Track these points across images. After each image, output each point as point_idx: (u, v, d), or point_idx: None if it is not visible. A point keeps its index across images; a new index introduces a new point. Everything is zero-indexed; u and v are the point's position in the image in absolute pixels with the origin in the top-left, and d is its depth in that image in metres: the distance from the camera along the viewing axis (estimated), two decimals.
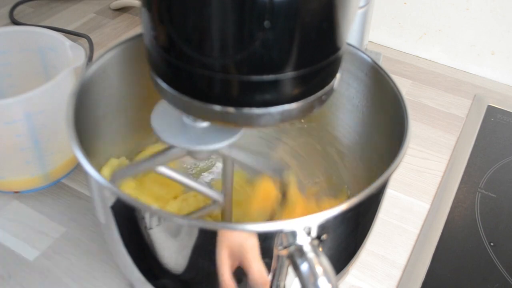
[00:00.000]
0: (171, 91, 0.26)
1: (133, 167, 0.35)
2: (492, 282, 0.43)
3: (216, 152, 0.32)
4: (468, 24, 0.67)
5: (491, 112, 0.62)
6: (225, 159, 0.36)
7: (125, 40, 0.37)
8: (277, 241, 0.26)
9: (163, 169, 0.34)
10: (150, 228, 0.27)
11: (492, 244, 0.46)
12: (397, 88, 0.35)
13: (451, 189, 0.52)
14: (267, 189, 0.42)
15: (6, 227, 0.46)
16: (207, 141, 0.30)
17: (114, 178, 0.34)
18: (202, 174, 0.50)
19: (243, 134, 0.30)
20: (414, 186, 0.53)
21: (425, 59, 0.73)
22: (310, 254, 0.26)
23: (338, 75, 0.28)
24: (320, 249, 0.27)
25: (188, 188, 0.37)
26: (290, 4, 0.21)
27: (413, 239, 0.47)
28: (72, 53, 0.47)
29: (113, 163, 0.42)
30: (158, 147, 0.45)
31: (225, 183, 0.37)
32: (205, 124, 0.30)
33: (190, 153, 0.32)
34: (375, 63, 0.37)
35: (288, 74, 0.24)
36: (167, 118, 0.31)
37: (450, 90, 0.67)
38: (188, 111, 0.26)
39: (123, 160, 0.43)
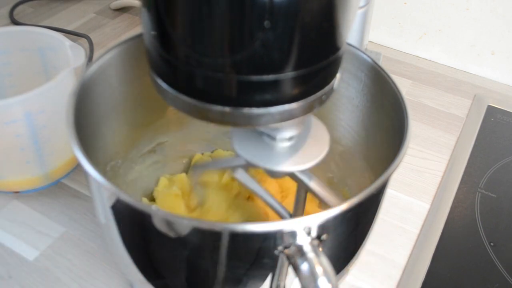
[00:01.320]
0: (171, 91, 0.26)
1: (212, 163, 0.35)
2: (492, 282, 0.43)
3: (291, 174, 0.32)
4: (468, 24, 0.67)
5: (491, 112, 0.62)
6: (299, 184, 0.35)
7: (125, 40, 0.37)
8: (277, 241, 0.26)
9: (240, 175, 0.35)
10: (148, 228, 0.27)
11: (492, 244, 0.46)
12: (397, 88, 0.35)
13: (451, 189, 0.52)
14: None
15: (6, 227, 0.46)
16: (287, 162, 0.29)
17: (195, 168, 0.34)
18: None
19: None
20: (414, 186, 0.53)
21: (425, 59, 0.73)
22: (310, 254, 0.26)
23: (338, 75, 0.28)
24: (320, 249, 0.27)
25: (260, 199, 0.38)
26: (290, 4, 0.21)
27: (413, 239, 0.47)
28: (72, 53, 0.47)
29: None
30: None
31: (297, 208, 0.37)
32: (285, 144, 0.30)
33: (267, 171, 0.31)
34: (375, 63, 0.37)
35: (288, 74, 0.24)
36: (248, 137, 0.31)
37: (450, 90, 0.67)
38: (188, 111, 0.26)
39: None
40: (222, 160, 0.34)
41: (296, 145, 0.30)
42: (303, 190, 0.35)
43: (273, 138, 0.29)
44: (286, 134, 0.29)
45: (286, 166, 0.29)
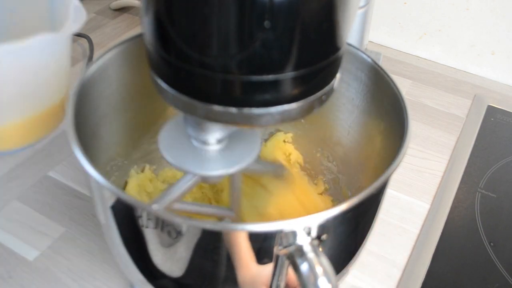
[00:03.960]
0: (171, 92, 0.26)
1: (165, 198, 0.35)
2: (492, 282, 0.43)
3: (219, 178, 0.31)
4: (468, 24, 0.67)
5: (491, 112, 0.62)
6: (232, 177, 0.36)
7: (125, 40, 0.37)
8: (277, 241, 0.26)
9: (178, 206, 0.34)
10: (147, 227, 0.27)
11: (492, 244, 0.46)
12: (397, 88, 0.35)
13: (451, 189, 0.52)
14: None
15: (6, 227, 0.46)
16: (219, 166, 0.29)
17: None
18: None
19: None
20: (414, 186, 0.53)
21: (425, 59, 0.73)
22: (310, 254, 0.26)
23: (338, 75, 0.28)
24: (320, 249, 0.27)
25: (201, 214, 0.38)
26: (290, 4, 0.21)
27: (413, 239, 0.47)
28: (73, 14, 0.45)
29: (136, 176, 0.44)
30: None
31: (234, 197, 0.37)
32: (215, 147, 0.30)
33: (203, 179, 0.31)
34: (375, 63, 0.37)
35: (288, 74, 0.24)
36: (176, 141, 0.30)
37: (450, 90, 0.67)
38: (188, 111, 0.26)
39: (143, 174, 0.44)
40: (177, 187, 0.33)
41: (226, 148, 0.30)
42: (236, 179, 0.36)
43: (203, 142, 0.29)
44: (214, 136, 0.29)
45: (215, 171, 0.29)
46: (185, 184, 0.32)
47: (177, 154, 0.30)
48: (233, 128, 0.30)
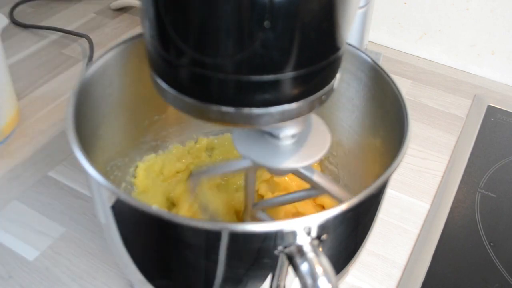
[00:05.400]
0: (171, 91, 0.26)
1: (213, 169, 0.35)
2: (492, 282, 0.43)
3: (294, 171, 0.32)
4: (468, 24, 0.67)
5: (491, 112, 0.62)
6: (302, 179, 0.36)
7: (125, 40, 0.37)
8: (277, 241, 0.26)
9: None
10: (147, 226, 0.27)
11: (492, 244, 0.46)
12: (397, 88, 0.35)
13: (451, 189, 0.52)
14: None
15: (6, 227, 0.46)
16: (286, 159, 0.30)
17: (193, 176, 0.34)
18: None
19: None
20: (414, 186, 0.53)
21: (425, 59, 0.73)
22: (310, 254, 0.26)
23: (338, 75, 0.28)
24: (320, 249, 0.27)
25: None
26: (290, 4, 0.21)
27: (413, 239, 0.47)
28: None
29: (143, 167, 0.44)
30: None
31: (248, 192, 0.37)
32: (288, 142, 0.30)
33: (269, 170, 0.32)
34: (375, 63, 0.37)
35: (288, 74, 0.24)
36: (249, 136, 0.31)
37: (450, 90, 0.67)
38: (188, 111, 0.26)
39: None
40: (224, 165, 0.34)
41: (298, 142, 0.30)
42: (253, 175, 0.36)
43: (276, 137, 0.29)
44: (289, 132, 0.29)
45: (290, 164, 0.29)
46: (235, 166, 0.32)
47: (251, 148, 0.30)
48: (305, 125, 0.30)
